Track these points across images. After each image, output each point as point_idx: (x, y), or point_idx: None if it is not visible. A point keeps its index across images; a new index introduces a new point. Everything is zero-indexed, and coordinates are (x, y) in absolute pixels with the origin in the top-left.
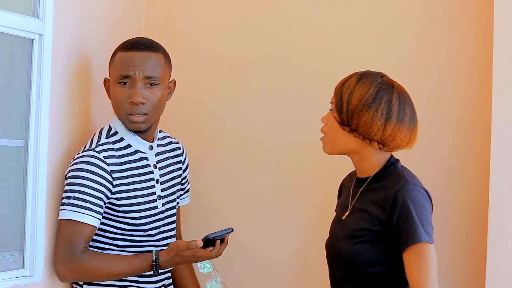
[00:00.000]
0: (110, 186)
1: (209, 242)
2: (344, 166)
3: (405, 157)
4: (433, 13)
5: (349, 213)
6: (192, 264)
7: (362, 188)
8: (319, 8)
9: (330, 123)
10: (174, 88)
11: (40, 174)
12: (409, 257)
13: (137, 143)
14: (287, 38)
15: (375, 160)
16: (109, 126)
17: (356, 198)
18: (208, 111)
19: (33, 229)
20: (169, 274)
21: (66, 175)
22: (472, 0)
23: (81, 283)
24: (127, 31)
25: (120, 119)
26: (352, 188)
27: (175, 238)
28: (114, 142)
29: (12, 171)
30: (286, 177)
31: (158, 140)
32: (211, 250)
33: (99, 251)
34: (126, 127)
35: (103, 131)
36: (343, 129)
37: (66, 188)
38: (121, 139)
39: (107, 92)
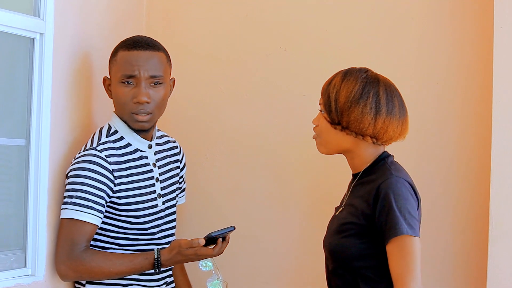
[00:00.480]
0: (111, 185)
1: (211, 240)
2: (345, 165)
3: (405, 157)
4: (434, 12)
5: (342, 209)
6: (194, 262)
7: (353, 183)
8: (320, 7)
9: (321, 124)
10: (173, 86)
11: (42, 173)
12: (391, 249)
13: (137, 142)
14: (288, 37)
15: (367, 156)
16: (109, 125)
17: (348, 193)
18: (209, 110)
19: (35, 228)
20: (170, 272)
21: (68, 174)
22: None
23: (83, 282)
24: (128, 30)
25: (123, 118)
26: (349, 184)
27: (175, 236)
28: (114, 141)
29: (14, 170)
30: (287, 175)
31: (156, 139)
32: (212, 248)
33: (101, 250)
34: (129, 126)
35: (103, 130)
36: (335, 128)
37: (68, 187)
38: (121, 138)
39: (106, 91)
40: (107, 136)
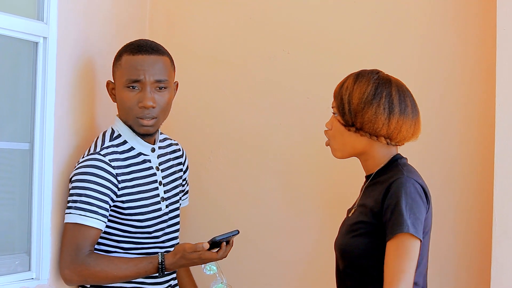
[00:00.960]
0: (115, 189)
1: (215, 244)
2: (348, 166)
3: (408, 157)
4: (436, 13)
5: (354, 210)
6: (198, 265)
7: (366, 184)
8: (323, 9)
9: (335, 127)
10: (176, 90)
11: (46, 177)
12: (390, 246)
13: (140, 145)
14: (291, 39)
15: (381, 157)
16: (112, 129)
17: (361, 195)
18: (213, 113)
19: (39, 231)
20: (174, 275)
21: (71, 178)
22: (475, 0)
23: (88, 286)
24: (131, 33)
25: (127, 122)
26: (362, 187)
27: (179, 239)
28: (118, 145)
29: (18, 174)
30: (291, 178)
31: (159, 142)
32: (216, 252)
33: (105, 254)
34: (133, 131)
35: (106, 134)
36: (349, 130)
37: (72, 191)
38: (124, 142)
39: (110, 95)
40: (110, 140)
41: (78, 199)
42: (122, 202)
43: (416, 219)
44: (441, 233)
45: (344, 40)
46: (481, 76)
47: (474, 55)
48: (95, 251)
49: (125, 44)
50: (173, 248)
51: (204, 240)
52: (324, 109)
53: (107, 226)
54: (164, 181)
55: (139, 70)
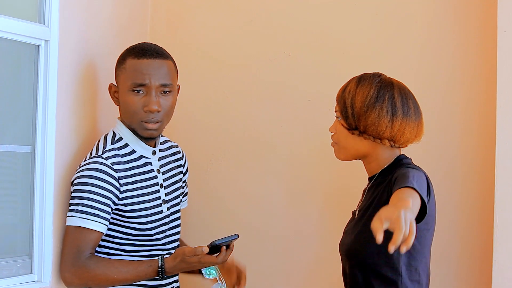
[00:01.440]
0: (117, 193)
1: (215, 248)
2: (351, 168)
3: (410, 157)
4: (437, 15)
5: (359, 211)
6: (198, 270)
7: (369, 185)
8: (324, 12)
9: (339, 131)
10: (178, 93)
11: (47, 180)
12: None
13: (141, 148)
14: (292, 41)
15: (384, 159)
16: (113, 132)
17: (364, 196)
18: (213, 115)
19: (41, 234)
20: (177, 278)
21: (73, 181)
22: (476, 2)
23: None
24: (133, 36)
25: (131, 126)
26: (364, 188)
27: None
28: (119, 148)
29: (20, 177)
30: (293, 180)
31: (160, 144)
32: (216, 256)
33: (106, 257)
34: (136, 134)
35: (107, 137)
36: (352, 133)
37: (74, 194)
38: (126, 145)
39: (112, 98)
40: (112, 143)
41: (80, 202)
42: (124, 205)
43: (421, 186)
44: (443, 234)
45: (345, 42)
46: (482, 77)
47: (475, 57)
48: (96, 254)
49: (127, 47)
50: (174, 250)
51: (205, 243)
52: (326, 111)
53: (109, 229)
54: (165, 184)
55: (144, 74)
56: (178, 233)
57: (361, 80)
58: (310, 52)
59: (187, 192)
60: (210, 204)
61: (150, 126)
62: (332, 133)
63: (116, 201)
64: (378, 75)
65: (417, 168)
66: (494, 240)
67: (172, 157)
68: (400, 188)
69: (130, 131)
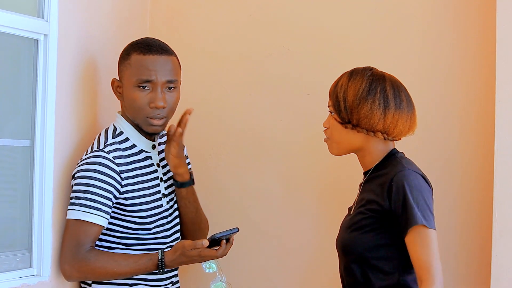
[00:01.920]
0: (118, 187)
1: (214, 241)
2: (349, 163)
3: (407, 154)
4: (436, 10)
5: (354, 205)
6: (197, 264)
7: (364, 180)
8: (323, 6)
9: (332, 125)
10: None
11: (47, 174)
12: (412, 239)
13: (141, 142)
14: (291, 36)
15: (378, 152)
16: (114, 126)
17: (360, 191)
18: (213, 110)
19: (40, 228)
20: (176, 272)
21: (75, 175)
22: None
23: (89, 282)
24: (132, 30)
25: (135, 121)
26: (360, 184)
27: (179, 234)
28: (120, 142)
29: (19, 171)
30: (291, 174)
31: (159, 138)
32: (216, 249)
33: (106, 250)
34: (139, 129)
35: (108, 131)
36: (346, 127)
37: (75, 188)
38: (127, 139)
39: (115, 93)
40: (113, 137)
41: (82, 196)
42: (125, 199)
43: (425, 210)
44: (441, 231)
45: (344, 37)
46: (481, 72)
47: (474, 51)
48: (96, 247)
49: (127, 41)
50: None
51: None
52: (324, 106)
53: (110, 223)
54: (165, 178)
55: (150, 70)
56: (177, 225)
57: (353, 74)
58: (309, 47)
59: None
60: (210, 197)
61: (155, 122)
62: (325, 128)
63: (117, 195)
64: (370, 68)
65: (410, 167)
66: (493, 237)
67: None
68: (410, 228)
69: (131, 125)
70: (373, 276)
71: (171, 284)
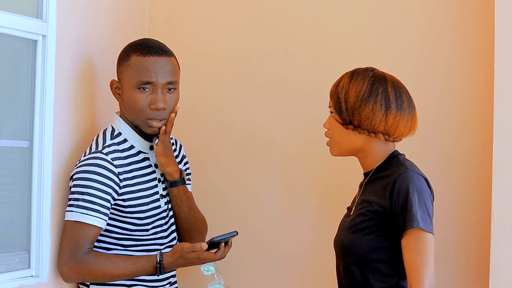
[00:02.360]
0: (117, 188)
1: (213, 244)
2: (347, 164)
3: (407, 155)
4: (435, 10)
5: (354, 207)
6: (196, 266)
7: (366, 180)
8: (322, 7)
9: (333, 126)
10: None
11: (45, 175)
12: (407, 242)
13: (139, 143)
14: (290, 37)
15: (379, 153)
16: (112, 127)
17: (361, 191)
18: (212, 110)
19: (39, 229)
20: (174, 273)
21: (73, 176)
22: None
23: (87, 283)
24: (131, 31)
25: (134, 122)
26: (360, 184)
27: (176, 234)
28: (118, 144)
29: (17, 172)
30: (290, 174)
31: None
32: (215, 252)
33: (104, 252)
34: (140, 130)
35: (106, 132)
36: (347, 128)
37: (74, 189)
38: (125, 140)
39: (114, 94)
40: (111, 139)
41: (80, 197)
42: (123, 200)
43: (425, 214)
44: (439, 231)
45: (343, 37)
46: (479, 72)
47: (473, 51)
48: (94, 249)
49: (125, 42)
50: (172, 245)
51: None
52: (323, 106)
53: (108, 224)
54: (162, 178)
55: (151, 72)
56: (173, 225)
57: (354, 75)
58: (308, 48)
59: (188, 178)
60: (208, 199)
61: (155, 123)
62: (326, 129)
63: (116, 196)
64: (371, 69)
65: (414, 169)
66: (491, 237)
67: None
68: (407, 231)
69: (130, 126)
70: (372, 278)
71: (169, 285)
